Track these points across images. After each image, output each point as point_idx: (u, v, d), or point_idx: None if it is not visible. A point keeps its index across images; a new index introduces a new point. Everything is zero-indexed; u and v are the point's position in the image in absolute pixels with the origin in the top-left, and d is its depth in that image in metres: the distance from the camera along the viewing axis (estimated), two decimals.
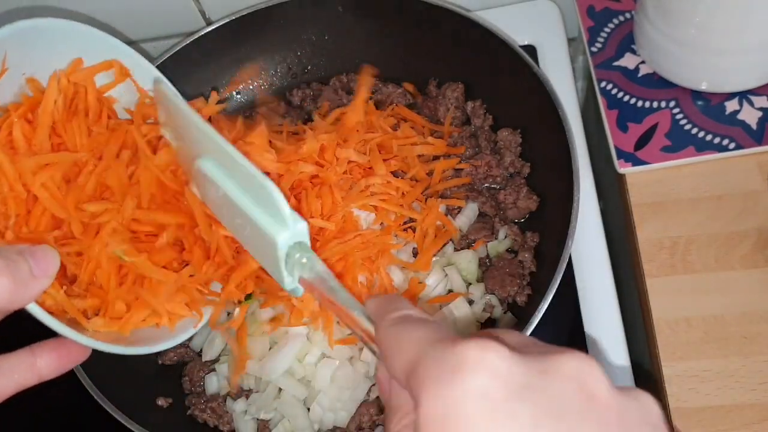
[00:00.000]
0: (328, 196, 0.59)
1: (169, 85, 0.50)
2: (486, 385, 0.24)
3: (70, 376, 0.57)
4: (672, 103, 0.67)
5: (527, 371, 0.25)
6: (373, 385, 0.60)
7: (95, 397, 0.56)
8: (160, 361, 0.65)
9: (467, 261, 0.63)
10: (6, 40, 0.48)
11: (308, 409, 0.60)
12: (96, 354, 0.57)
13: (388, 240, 0.60)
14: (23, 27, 0.49)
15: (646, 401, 0.27)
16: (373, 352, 0.33)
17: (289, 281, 0.40)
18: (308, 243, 0.39)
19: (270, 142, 0.58)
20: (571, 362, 0.26)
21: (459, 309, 0.60)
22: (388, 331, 0.30)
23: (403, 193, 0.63)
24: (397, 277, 0.61)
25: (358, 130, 0.64)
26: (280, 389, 0.60)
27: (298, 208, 0.58)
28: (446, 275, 0.63)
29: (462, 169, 0.67)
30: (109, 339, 0.48)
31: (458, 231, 0.64)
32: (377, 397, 0.60)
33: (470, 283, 0.63)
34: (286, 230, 0.38)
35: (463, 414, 0.24)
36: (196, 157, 0.45)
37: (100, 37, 0.56)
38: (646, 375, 0.62)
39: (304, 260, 0.39)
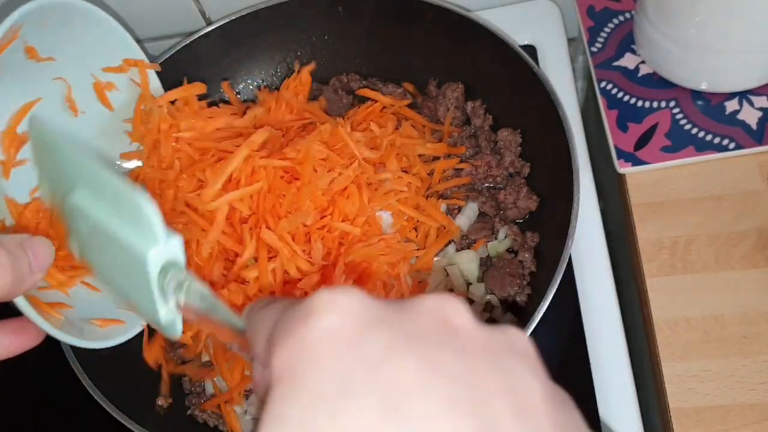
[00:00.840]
0: (356, 196, 0.59)
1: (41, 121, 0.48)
2: (334, 324, 0.23)
3: (70, 376, 0.57)
4: (672, 103, 0.67)
5: (383, 309, 0.24)
6: None
7: (95, 397, 0.56)
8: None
9: (468, 261, 0.63)
10: (29, 14, 0.49)
11: None
12: (96, 354, 0.58)
13: (410, 247, 0.61)
14: (46, 3, 0.51)
15: (514, 333, 0.25)
16: (249, 361, 0.30)
17: (165, 312, 0.36)
18: (182, 261, 0.36)
19: None
20: (431, 300, 0.24)
21: None
22: (252, 319, 0.28)
23: (416, 188, 0.64)
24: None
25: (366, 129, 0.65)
26: None
27: (329, 211, 0.59)
28: (447, 275, 0.63)
29: (462, 169, 0.67)
30: (74, 333, 0.49)
31: (459, 230, 0.64)
32: None
33: (470, 283, 0.63)
34: (156, 245, 0.35)
35: (311, 357, 0.22)
36: (67, 193, 0.42)
37: (117, 30, 0.58)
38: (647, 375, 0.62)
39: (181, 278, 0.35)
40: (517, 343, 0.25)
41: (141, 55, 0.62)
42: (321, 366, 0.22)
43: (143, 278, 0.36)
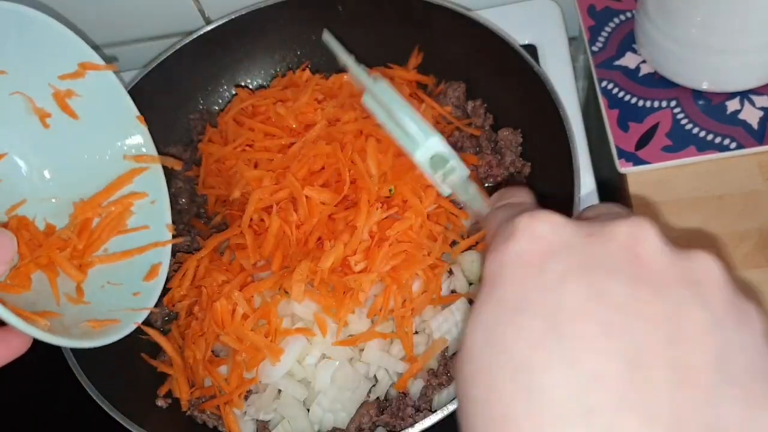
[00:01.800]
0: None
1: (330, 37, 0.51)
2: (526, 248, 0.27)
3: (69, 376, 0.57)
4: (673, 103, 0.67)
5: (572, 235, 0.27)
6: (374, 385, 0.60)
7: (95, 398, 0.56)
8: None
9: (471, 261, 0.63)
10: None
11: (308, 410, 0.60)
12: (96, 354, 0.57)
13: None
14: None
15: (698, 258, 0.26)
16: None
17: (444, 188, 0.42)
18: (446, 152, 0.40)
19: None
20: (623, 226, 0.26)
21: (460, 309, 0.60)
22: (489, 216, 0.34)
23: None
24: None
25: None
26: (279, 390, 0.60)
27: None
28: (450, 275, 0.63)
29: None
30: (58, 331, 0.49)
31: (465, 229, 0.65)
32: (377, 398, 0.60)
33: (471, 283, 0.63)
34: (419, 148, 0.40)
35: (503, 274, 0.27)
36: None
37: (66, 35, 0.57)
38: None
39: (447, 166, 0.41)
40: (698, 270, 0.26)
41: (96, 59, 0.60)
42: (507, 283, 0.26)
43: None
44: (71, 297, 0.56)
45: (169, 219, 0.63)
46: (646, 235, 0.26)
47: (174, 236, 0.63)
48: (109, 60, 0.62)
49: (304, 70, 0.75)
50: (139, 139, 0.63)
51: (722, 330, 0.24)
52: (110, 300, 0.58)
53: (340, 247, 0.58)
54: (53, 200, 0.60)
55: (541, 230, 0.27)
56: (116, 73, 0.61)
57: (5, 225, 0.56)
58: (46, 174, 0.60)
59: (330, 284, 0.59)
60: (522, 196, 0.36)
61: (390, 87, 0.43)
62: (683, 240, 0.61)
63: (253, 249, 0.62)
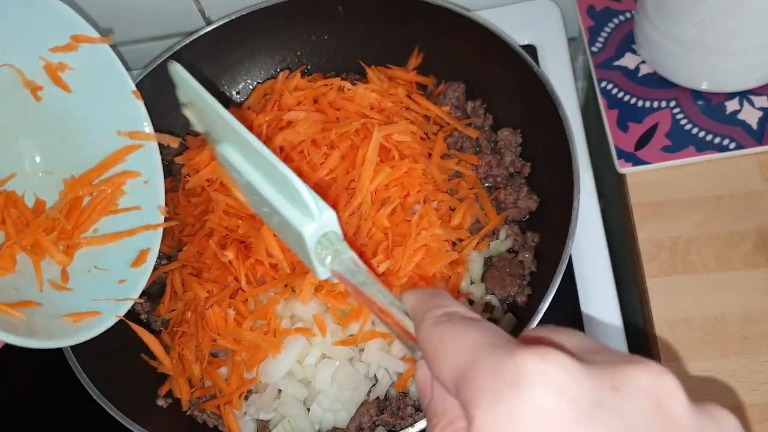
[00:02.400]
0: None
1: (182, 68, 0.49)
2: (549, 404, 0.22)
3: (69, 376, 0.57)
4: (672, 103, 0.67)
5: (596, 387, 0.23)
6: (374, 385, 0.60)
7: (95, 398, 0.56)
8: None
9: (472, 261, 0.63)
10: None
11: (308, 410, 0.60)
12: (95, 355, 0.58)
13: (453, 255, 0.61)
14: None
15: (725, 421, 0.25)
16: (411, 350, 0.30)
17: (322, 271, 0.38)
18: (339, 232, 0.37)
19: None
20: (646, 376, 0.23)
21: None
22: (433, 332, 0.27)
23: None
24: None
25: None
26: (279, 390, 0.60)
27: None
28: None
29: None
30: (37, 333, 0.48)
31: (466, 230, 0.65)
32: (377, 398, 0.60)
33: (472, 283, 0.63)
34: (312, 222, 0.36)
35: None
36: (218, 141, 0.43)
37: (55, 5, 0.55)
38: None
39: (335, 251, 0.36)
40: (722, 428, 0.24)
41: (90, 31, 0.57)
42: None
43: (302, 244, 0.37)
44: (55, 283, 0.54)
45: (162, 201, 0.60)
46: (673, 389, 0.23)
47: (166, 219, 0.60)
48: (106, 35, 0.59)
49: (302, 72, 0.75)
50: (135, 114, 0.59)
51: None
52: (94, 287, 0.56)
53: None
54: (44, 175, 0.58)
55: (558, 379, 0.22)
56: (113, 46, 0.58)
57: None
58: (37, 149, 0.59)
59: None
60: (448, 301, 0.29)
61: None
62: (683, 240, 0.62)
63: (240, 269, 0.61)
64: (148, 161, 0.60)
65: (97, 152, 0.59)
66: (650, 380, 0.23)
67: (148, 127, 0.60)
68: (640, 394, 0.23)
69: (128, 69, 0.60)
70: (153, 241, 0.59)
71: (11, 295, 0.50)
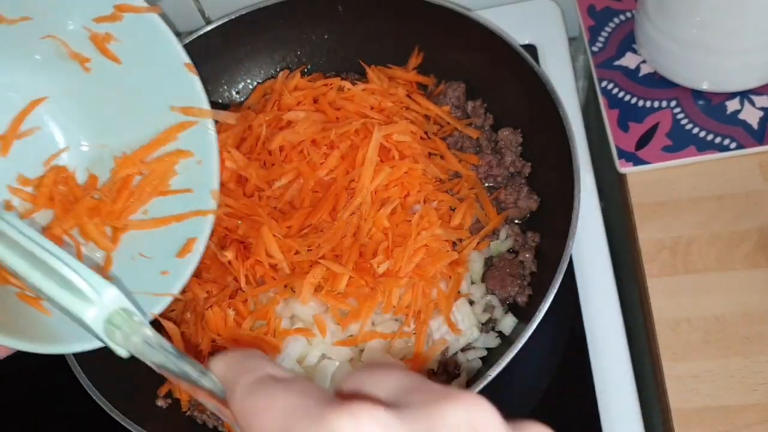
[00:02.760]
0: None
1: None
2: None
3: (68, 376, 0.57)
4: (673, 103, 0.67)
5: None
6: None
7: (94, 398, 0.56)
8: None
9: (473, 261, 0.63)
10: None
11: None
12: (95, 354, 0.57)
13: (453, 255, 0.61)
14: None
15: None
16: (232, 423, 0.27)
17: (121, 351, 0.34)
18: (131, 308, 0.34)
19: None
20: (458, 411, 0.23)
21: (460, 309, 0.60)
22: (246, 400, 0.25)
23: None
24: None
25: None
26: None
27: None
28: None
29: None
30: (45, 337, 0.45)
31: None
32: None
33: (472, 283, 0.63)
34: (90, 306, 0.33)
35: None
36: None
37: None
38: (647, 375, 0.62)
39: (124, 333, 0.33)
40: None
41: (135, 0, 0.53)
42: None
43: (86, 329, 0.34)
44: (97, 269, 0.51)
45: (216, 184, 0.56)
46: (486, 419, 0.23)
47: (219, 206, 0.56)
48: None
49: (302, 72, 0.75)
50: (188, 89, 0.55)
51: None
52: (135, 277, 0.52)
53: (348, 272, 0.58)
54: (96, 149, 0.56)
55: None
56: (162, 16, 0.54)
57: (42, 179, 0.53)
58: (89, 123, 0.56)
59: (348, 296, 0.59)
60: (261, 362, 0.27)
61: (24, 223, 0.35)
62: (684, 240, 0.62)
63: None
64: (202, 140, 0.55)
65: (149, 128, 0.55)
66: (463, 414, 0.23)
67: (203, 103, 0.56)
68: (454, 431, 0.23)
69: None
70: (202, 230, 0.55)
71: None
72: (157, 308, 0.52)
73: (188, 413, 0.62)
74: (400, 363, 0.24)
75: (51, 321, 0.46)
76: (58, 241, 0.50)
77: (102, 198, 0.54)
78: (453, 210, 0.64)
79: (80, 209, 0.52)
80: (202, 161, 0.55)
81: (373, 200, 0.61)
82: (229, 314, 0.59)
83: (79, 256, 0.51)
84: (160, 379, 0.63)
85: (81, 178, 0.56)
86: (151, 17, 0.53)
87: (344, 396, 0.25)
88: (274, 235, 0.59)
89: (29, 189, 0.53)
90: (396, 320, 0.60)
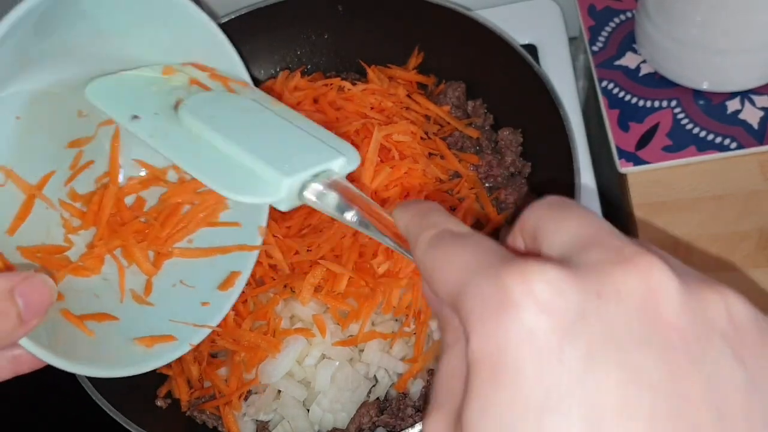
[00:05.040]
0: None
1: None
2: (533, 324, 0.21)
3: (69, 375, 0.57)
4: (673, 103, 0.67)
5: (580, 297, 0.22)
6: (374, 385, 0.60)
7: (94, 398, 0.56)
8: None
9: None
10: None
11: (308, 411, 0.60)
12: None
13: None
14: None
15: (715, 304, 0.23)
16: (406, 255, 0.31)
17: (288, 191, 0.37)
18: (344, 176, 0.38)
19: None
20: (632, 277, 0.22)
21: None
22: (427, 254, 0.27)
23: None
24: None
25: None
26: (279, 390, 0.60)
27: None
28: None
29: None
30: (103, 360, 0.46)
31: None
32: (377, 398, 0.60)
33: None
34: (342, 156, 0.38)
35: (512, 359, 0.21)
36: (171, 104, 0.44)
37: None
38: None
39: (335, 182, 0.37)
40: (715, 318, 0.23)
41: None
42: (523, 373, 0.21)
43: (302, 150, 0.39)
44: (137, 294, 0.51)
45: (264, 221, 0.56)
46: (663, 286, 0.22)
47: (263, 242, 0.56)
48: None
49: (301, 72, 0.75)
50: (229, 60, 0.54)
51: (755, 388, 0.22)
52: (175, 306, 0.52)
53: (348, 273, 0.58)
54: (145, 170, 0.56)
55: (543, 295, 0.22)
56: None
57: (92, 194, 0.52)
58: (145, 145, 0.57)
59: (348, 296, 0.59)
60: (441, 217, 0.29)
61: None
62: (684, 240, 0.61)
63: None
64: None
65: None
66: (637, 281, 0.22)
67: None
68: (623, 297, 0.22)
69: None
70: (245, 264, 0.55)
71: (90, 303, 0.48)
72: (196, 339, 0.52)
73: (188, 413, 0.62)
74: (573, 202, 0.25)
75: (92, 341, 0.46)
76: (100, 262, 0.51)
77: (149, 221, 0.54)
78: (453, 210, 0.64)
79: (127, 231, 0.52)
80: None
81: (373, 200, 0.61)
82: (228, 314, 0.59)
83: (121, 278, 0.51)
84: (160, 379, 0.63)
85: (128, 199, 0.55)
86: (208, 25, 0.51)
87: (523, 238, 0.27)
88: (273, 236, 0.59)
89: (78, 205, 0.53)
90: (396, 320, 0.60)
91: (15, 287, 0.37)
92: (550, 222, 0.26)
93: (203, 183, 0.40)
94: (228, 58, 0.53)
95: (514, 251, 0.27)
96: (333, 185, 0.37)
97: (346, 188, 0.37)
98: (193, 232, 0.55)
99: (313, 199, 0.37)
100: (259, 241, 0.56)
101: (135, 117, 0.43)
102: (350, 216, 0.35)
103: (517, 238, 0.28)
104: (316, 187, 0.37)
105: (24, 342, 0.39)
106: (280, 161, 0.38)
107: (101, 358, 0.46)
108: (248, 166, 0.39)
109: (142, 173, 0.57)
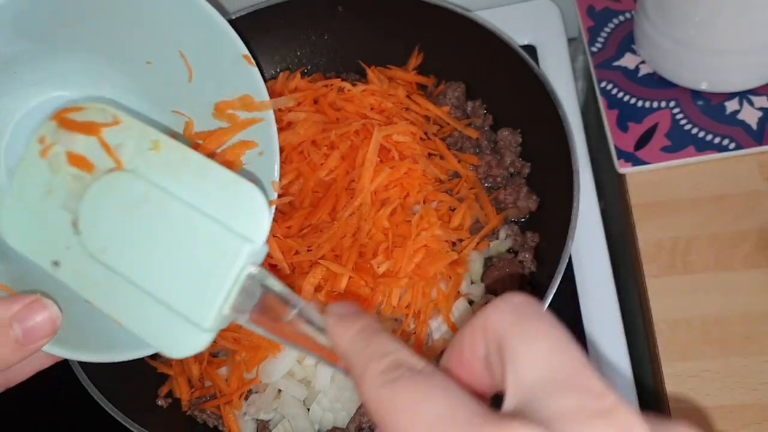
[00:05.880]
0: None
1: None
2: None
3: (69, 375, 0.57)
4: (672, 103, 0.67)
5: None
6: None
7: (94, 397, 0.56)
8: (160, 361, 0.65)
9: (472, 261, 0.63)
10: None
11: (308, 410, 0.60)
12: None
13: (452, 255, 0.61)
14: None
15: None
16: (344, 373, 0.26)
17: (215, 318, 0.33)
18: (263, 257, 0.34)
19: None
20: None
21: (459, 309, 0.60)
22: (381, 394, 0.23)
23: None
24: None
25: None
26: (279, 390, 0.60)
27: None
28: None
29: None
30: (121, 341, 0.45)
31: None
32: None
33: (472, 282, 0.63)
34: (253, 242, 0.32)
35: None
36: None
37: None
38: (646, 375, 0.62)
39: (257, 276, 0.33)
40: None
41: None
42: None
43: (206, 270, 0.33)
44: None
45: (277, 175, 0.54)
46: None
47: (279, 196, 0.55)
48: None
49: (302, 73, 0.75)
50: (248, 80, 0.53)
51: None
52: None
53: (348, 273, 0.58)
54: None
55: None
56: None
57: None
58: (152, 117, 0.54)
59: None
60: (390, 344, 0.25)
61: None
62: (683, 240, 0.62)
63: None
64: (264, 131, 0.54)
65: (207, 123, 0.55)
66: None
67: (263, 94, 0.54)
68: None
69: None
70: None
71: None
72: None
73: (189, 413, 0.62)
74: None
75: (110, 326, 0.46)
76: None
77: None
78: (453, 210, 0.64)
79: None
80: (264, 152, 0.54)
81: (373, 201, 0.61)
82: None
83: None
84: (161, 379, 0.63)
85: None
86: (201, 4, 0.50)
87: (486, 342, 0.23)
88: (273, 235, 0.59)
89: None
90: (396, 320, 0.60)
91: (14, 315, 0.38)
92: (519, 340, 0.23)
93: (134, 332, 0.37)
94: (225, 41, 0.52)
95: (480, 395, 0.24)
96: (244, 296, 0.33)
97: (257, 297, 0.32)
98: None
99: (238, 319, 0.33)
100: (274, 196, 0.55)
101: (55, 263, 0.39)
102: (260, 330, 0.31)
103: (478, 339, 0.24)
104: (234, 306, 0.33)
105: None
106: (191, 306, 0.34)
107: (118, 342, 0.45)
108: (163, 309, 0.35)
109: None
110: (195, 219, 0.35)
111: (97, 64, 0.51)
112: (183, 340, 0.34)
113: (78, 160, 0.40)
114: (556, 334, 0.23)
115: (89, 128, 0.39)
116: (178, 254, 0.35)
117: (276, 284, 0.32)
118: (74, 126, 0.40)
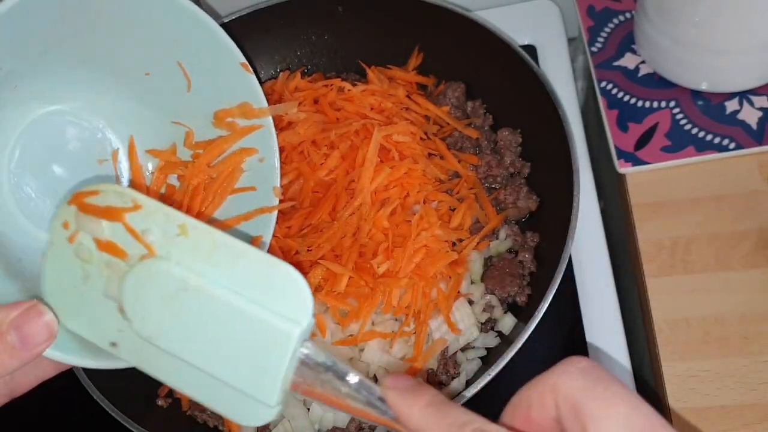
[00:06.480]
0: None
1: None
2: None
3: (69, 375, 0.57)
4: (672, 103, 0.67)
5: None
6: None
7: (95, 397, 0.56)
8: None
9: (472, 261, 0.63)
10: None
11: (308, 410, 0.60)
12: None
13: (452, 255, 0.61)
14: None
15: None
16: None
17: (278, 396, 0.34)
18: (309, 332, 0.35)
19: None
20: None
21: (459, 309, 0.60)
22: None
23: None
24: None
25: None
26: None
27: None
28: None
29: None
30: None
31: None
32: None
33: (472, 282, 0.63)
34: (301, 324, 0.33)
35: None
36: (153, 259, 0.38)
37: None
38: (647, 375, 0.62)
39: (306, 351, 0.34)
40: None
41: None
42: None
43: (261, 355, 0.34)
44: None
45: (278, 180, 0.55)
46: None
47: (280, 202, 0.56)
48: None
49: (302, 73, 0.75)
50: (246, 88, 0.54)
51: None
52: None
53: (348, 273, 0.58)
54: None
55: None
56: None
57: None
58: (148, 129, 0.55)
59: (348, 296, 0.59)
60: (467, 416, 0.26)
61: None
62: (683, 240, 0.62)
63: None
64: (263, 137, 0.55)
65: (207, 132, 0.55)
66: None
67: (262, 101, 0.55)
68: None
69: None
70: (265, 228, 0.55)
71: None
72: None
73: (188, 413, 0.62)
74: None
75: None
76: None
77: (175, 201, 0.54)
78: (453, 210, 0.64)
79: None
80: (264, 159, 0.55)
81: (373, 201, 0.61)
82: None
83: None
84: None
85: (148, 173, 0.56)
86: (197, 14, 0.51)
87: (558, 404, 0.25)
88: (273, 236, 0.59)
89: None
90: (396, 320, 0.60)
91: (11, 321, 0.38)
92: (596, 403, 0.24)
93: (204, 405, 0.38)
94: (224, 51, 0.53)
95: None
96: (300, 372, 0.34)
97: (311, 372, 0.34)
98: (219, 206, 0.55)
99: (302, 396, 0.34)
100: (275, 202, 0.55)
101: (113, 344, 0.40)
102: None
103: (547, 400, 0.26)
104: (293, 381, 0.34)
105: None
106: (255, 388, 0.35)
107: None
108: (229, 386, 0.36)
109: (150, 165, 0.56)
110: (240, 305, 0.35)
111: (97, 76, 0.52)
112: (254, 414, 0.36)
113: (108, 247, 0.39)
114: (630, 396, 0.24)
115: (112, 214, 0.39)
116: (229, 339, 0.35)
117: (329, 360, 0.33)
118: (96, 211, 0.39)
